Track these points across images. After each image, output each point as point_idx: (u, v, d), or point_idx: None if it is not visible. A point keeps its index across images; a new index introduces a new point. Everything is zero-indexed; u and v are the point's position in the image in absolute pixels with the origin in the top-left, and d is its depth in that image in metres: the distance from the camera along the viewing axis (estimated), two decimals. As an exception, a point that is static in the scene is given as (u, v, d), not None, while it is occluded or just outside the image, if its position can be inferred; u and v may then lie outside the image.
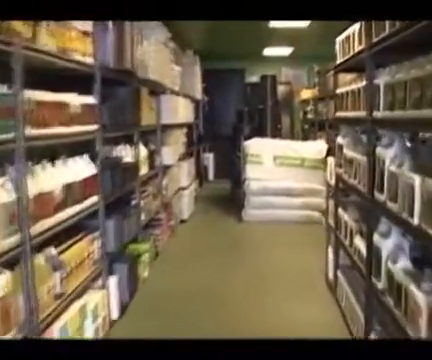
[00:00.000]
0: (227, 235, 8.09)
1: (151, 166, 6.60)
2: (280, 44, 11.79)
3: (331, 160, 5.51)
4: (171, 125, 7.71)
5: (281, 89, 13.46)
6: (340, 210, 4.93)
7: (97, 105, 4.34)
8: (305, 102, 13.18)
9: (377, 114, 3.30)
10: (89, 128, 4.21)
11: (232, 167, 10.12)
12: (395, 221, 3.08)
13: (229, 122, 12.67)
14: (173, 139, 8.00)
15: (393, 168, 3.03)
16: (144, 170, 6.22)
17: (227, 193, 11.17)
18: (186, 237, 7.95)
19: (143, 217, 6.12)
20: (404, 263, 3.02)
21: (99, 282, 4.55)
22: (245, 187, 8.86)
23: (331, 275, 5.43)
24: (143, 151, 6.20)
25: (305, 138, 12.90)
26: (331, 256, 5.47)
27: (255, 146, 9.07)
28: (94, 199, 4.29)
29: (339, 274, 5.01)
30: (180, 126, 8.79)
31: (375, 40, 3.38)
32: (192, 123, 10.78)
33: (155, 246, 6.65)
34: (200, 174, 12.49)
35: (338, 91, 4.82)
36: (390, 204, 3.08)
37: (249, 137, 9.49)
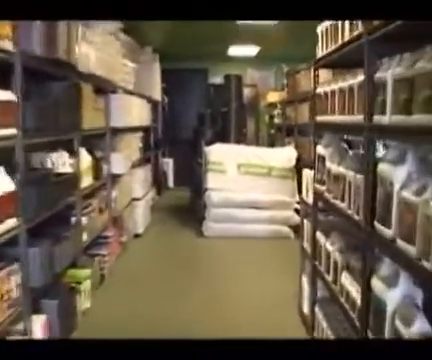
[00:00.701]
0: (185, 253, 7.21)
1: (97, 176, 5.67)
2: (246, 43, 10.91)
3: (307, 173, 4.69)
4: (123, 129, 6.78)
5: (246, 92, 12.57)
6: (319, 234, 4.09)
7: (17, 103, 3.41)
8: (272, 106, 12.38)
9: (381, 119, 2.45)
10: (4, 132, 3.27)
11: (192, 175, 9.23)
12: (408, 267, 2.23)
13: (190, 125, 11.78)
14: (125, 144, 7.08)
15: (408, 195, 2.19)
16: (87, 181, 5.29)
17: (187, 202, 10.28)
18: (139, 255, 7.02)
19: (85, 237, 5.19)
20: (421, 326, 2.18)
21: (20, 326, 3.61)
22: (206, 198, 7.98)
23: (306, 309, 4.59)
24: (86, 159, 5.28)
25: (271, 144, 12.09)
26: (306, 286, 4.63)
27: (217, 152, 8.21)
28: (11, 223, 3.36)
29: (317, 310, 4.17)
30: (134, 130, 7.88)
31: (377, 23, 2.54)
32: (149, 126, 9.87)
33: (100, 269, 5.72)
34: (158, 181, 11.57)
35: (319, 90, 3.96)
36: (402, 244, 2.23)
37: (211, 142, 8.60)
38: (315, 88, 4.18)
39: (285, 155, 8.18)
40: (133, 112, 7.33)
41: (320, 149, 3.97)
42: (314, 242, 4.19)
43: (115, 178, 6.60)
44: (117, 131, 6.61)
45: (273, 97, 12.14)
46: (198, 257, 7.02)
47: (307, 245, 4.58)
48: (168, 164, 13.20)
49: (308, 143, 8.16)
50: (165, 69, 11.67)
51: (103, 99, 6.02)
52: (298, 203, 7.94)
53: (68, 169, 4.68)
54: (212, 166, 8.14)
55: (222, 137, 9.00)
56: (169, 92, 12.89)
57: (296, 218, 7.84)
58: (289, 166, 8.02)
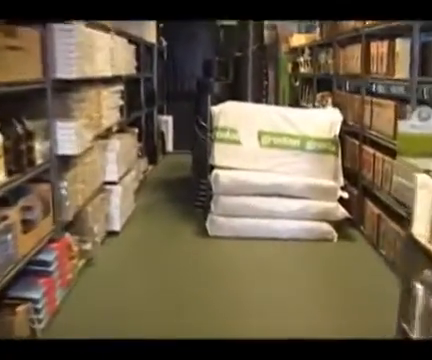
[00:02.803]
0: (179, 266, 4.85)
1: (18, 165, 3.26)
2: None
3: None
4: (81, 80, 4.33)
5: (265, 34, 9.99)
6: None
7: None
8: (295, 51, 9.85)
9: None
10: None
11: (194, 144, 6.77)
12: None
13: (195, 76, 9.24)
14: (89, 105, 4.62)
15: None
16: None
17: (189, 174, 7.80)
18: (107, 278, 4.59)
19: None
20: None
21: None
22: (212, 180, 5.54)
23: None
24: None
25: (295, 101, 9.57)
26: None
27: (228, 114, 5.75)
28: None
29: None
30: (107, 81, 5.41)
31: None
32: (137, 76, 7.39)
33: (31, 321, 3.36)
34: (152, 147, 9.13)
35: None
36: None
37: (220, 99, 6.11)
38: None
39: (326, 120, 5.68)
40: (101, 55, 4.86)
41: None
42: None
43: (68, 160, 4.18)
44: (70, 85, 4.17)
45: (299, 40, 9.61)
46: (198, 277, 4.62)
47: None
48: (167, 123, 10.74)
49: (358, 102, 5.70)
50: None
51: (34, 34, 3.56)
52: (343, 188, 5.52)
53: None
54: (221, 134, 5.70)
55: (235, 92, 6.47)
56: (169, 34, 10.34)
57: (341, 211, 5.45)
58: (331, 136, 5.55)
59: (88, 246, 4.67)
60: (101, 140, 5.17)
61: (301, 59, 9.37)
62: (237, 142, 5.65)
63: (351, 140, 5.99)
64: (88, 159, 4.61)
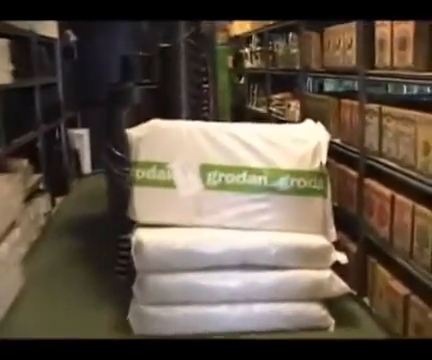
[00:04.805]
0: None
1: None
2: None
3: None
4: None
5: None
6: None
7: None
8: (237, 40, 7.89)
9: None
10: None
11: (107, 182, 4.64)
12: None
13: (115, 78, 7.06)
14: None
15: None
16: None
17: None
18: None
19: None
20: None
21: None
22: (133, 251, 3.44)
23: None
24: None
25: (239, 107, 7.52)
26: None
27: (154, 141, 3.69)
28: None
29: None
30: None
31: None
32: (12, 85, 5.20)
33: None
34: (59, 174, 6.94)
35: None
36: None
37: (142, 115, 4.02)
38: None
39: (305, 141, 3.67)
40: None
41: None
42: None
43: None
44: None
45: (242, 27, 7.64)
46: None
47: None
48: (82, 138, 8.52)
49: (352, 110, 3.77)
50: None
51: None
52: (337, 246, 3.57)
53: None
54: (144, 173, 3.63)
55: (163, 102, 4.39)
56: (78, 26, 8.08)
57: (337, 284, 3.49)
58: (315, 167, 3.56)
59: None
60: None
61: (246, 50, 7.39)
62: (169, 184, 3.59)
63: (340, 167, 4.04)
64: None
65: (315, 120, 3.98)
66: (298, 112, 5.03)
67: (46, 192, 5.98)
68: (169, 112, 4.17)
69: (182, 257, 3.38)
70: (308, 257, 3.47)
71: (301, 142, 3.64)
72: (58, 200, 6.76)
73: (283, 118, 5.55)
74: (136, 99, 4.58)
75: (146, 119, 3.84)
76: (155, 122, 3.75)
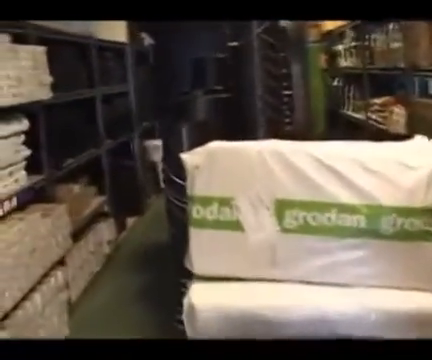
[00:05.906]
0: None
1: None
2: None
3: None
4: None
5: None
6: None
7: None
8: (330, 36, 6.95)
9: None
10: None
11: (167, 213, 3.88)
12: None
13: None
14: None
15: None
16: None
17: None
18: None
19: None
20: None
21: None
22: (185, 317, 2.63)
23: None
24: None
25: (334, 112, 6.57)
26: None
27: (215, 169, 2.86)
28: None
29: None
30: None
31: None
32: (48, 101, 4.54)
33: None
34: (132, 193, 6.31)
35: None
36: None
37: (206, 133, 3.24)
38: None
39: (415, 167, 2.70)
40: None
41: None
42: None
43: None
44: None
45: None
46: None
47: None
48: (159, 149, 7.88)
49: None
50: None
51: None
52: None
53: None
54: (202, 211, 2.82)
55: (231, 115, 3.57)
56: (154, 28, 7.44)
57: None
58: (430, 202, 2.60)
59: None
60: None
61: (340, 47, 6.45)
62: (234, 225, 2.76)
63: None
64: None
65: (427, 134, 3.01)
66: (403, 120, 4.05)
67: (111, 216, 5.34)
68: (239, 128, 3.33)
69: (248, 328, 2.53)
70: (427, 326, 2.52)
71: (410, 169, 2.68)
72: (130, 221, 6.13)
73: (384, 127, 4.58)
74: (200, 111, 3.78)
75: (211, 137, 3.04)
76: (215, 144, 2.92)
